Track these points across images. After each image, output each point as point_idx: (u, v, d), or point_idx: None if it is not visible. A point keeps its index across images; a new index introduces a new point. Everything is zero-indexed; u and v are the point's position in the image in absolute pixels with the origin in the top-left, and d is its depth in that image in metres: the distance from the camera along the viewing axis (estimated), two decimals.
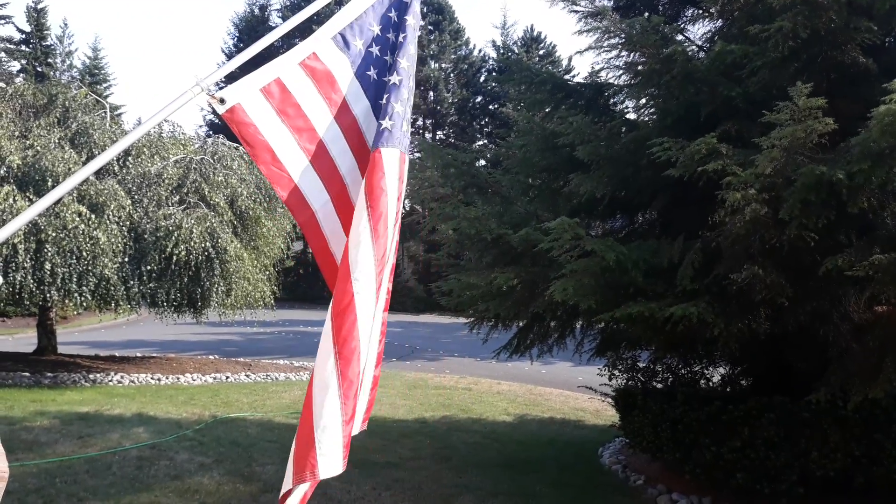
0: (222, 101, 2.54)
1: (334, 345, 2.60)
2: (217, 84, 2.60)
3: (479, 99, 43.21)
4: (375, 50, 2.96)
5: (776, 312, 5.18)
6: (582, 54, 6.73)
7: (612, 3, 7.50)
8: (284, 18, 41.09)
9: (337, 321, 2.60)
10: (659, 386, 7.69)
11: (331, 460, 2.73)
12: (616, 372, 8.05)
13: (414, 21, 3.06)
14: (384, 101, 2.90)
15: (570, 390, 13.23)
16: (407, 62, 2.94)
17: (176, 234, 11.66)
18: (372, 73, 2.95)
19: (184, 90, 2.48)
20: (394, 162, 2.78)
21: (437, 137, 41.84)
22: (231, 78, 2.78)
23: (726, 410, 6.20)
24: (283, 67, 2.71)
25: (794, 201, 4.44)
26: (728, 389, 7.57)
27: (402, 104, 2.87)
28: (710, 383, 7.74)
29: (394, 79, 2.89)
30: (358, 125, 2.92)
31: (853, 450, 5.62)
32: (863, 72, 5.38)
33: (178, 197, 12.61)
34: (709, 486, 6.53)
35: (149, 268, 11.57)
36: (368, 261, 2.66)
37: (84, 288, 11.11)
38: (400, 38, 3.01)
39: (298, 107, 2.73)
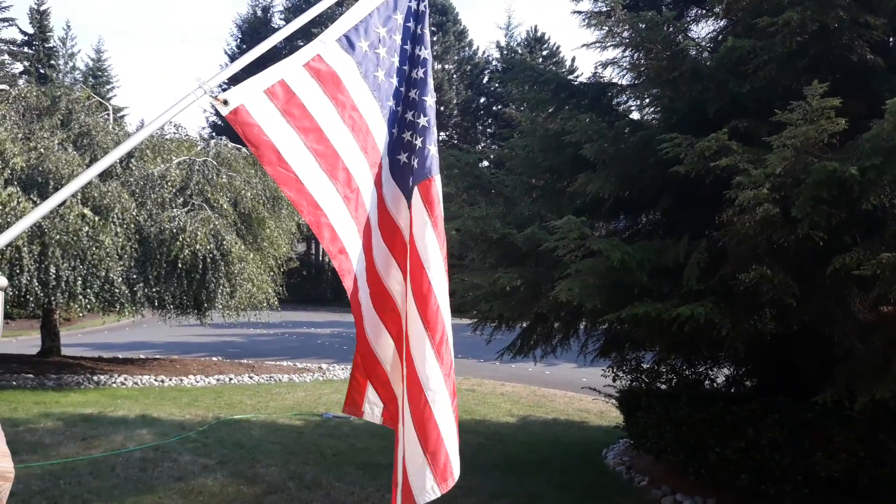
0: (226, 102, 2.53)
1: (431, 341, 2.86)
2: (220, 86, 2.60)
3: (482, 100, 43.25)
4: (382, 51, 2.97)
5: (781, 313, 5.16)
6: (588, 48, 6.81)
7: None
8: (287, 20, 41.15)
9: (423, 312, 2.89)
10: (663, 387, 7.66)
11: (457, 461, 2.96)
12: (620, 373, 8.03)
13: (421, 30, 3.12)
14: (409, 115, 3.08)
15: (574, 391, 13.21)
16: (431, 96, 3.09)
17: (181, 237, 11.66)
18: (379, 74, 2.96)
19: (187, 93, 2.48)
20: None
21: (441, 138, 41.82)
22: (234, 80, 2.77)
23: (730, 411, 6.18)
24: (286, 69, 2.70)
25: (805, 198, 4.43)
26: (732, 390, 7.55)
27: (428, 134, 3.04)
28: (715, 384, 7.72)
29: (424, 117, 3.04)
30: (367, 125, 2.92)
31: (858, 451, 5.59)
32: (870, 69, 5.36)
33: (181, 199, 12.61)
34: (713, 487, 6.52)
35: (154, 270, 11.57)
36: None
37: (88, 291, 11.11)
38: (417, 51, 3.12)
39: (304, 107, 2.71)
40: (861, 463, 5.62)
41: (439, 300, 2.89)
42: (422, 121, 3.02)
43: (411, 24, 3.10)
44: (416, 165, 3.00)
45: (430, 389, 2.83)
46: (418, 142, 3.01)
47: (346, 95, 2.83)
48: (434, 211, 2.94)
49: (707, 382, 7.69)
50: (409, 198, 3.03)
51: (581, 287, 5.24)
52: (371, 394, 3.24)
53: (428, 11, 3.16)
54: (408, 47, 3.08)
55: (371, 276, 3.05)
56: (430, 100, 3.06)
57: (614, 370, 8.09)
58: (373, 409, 3.25)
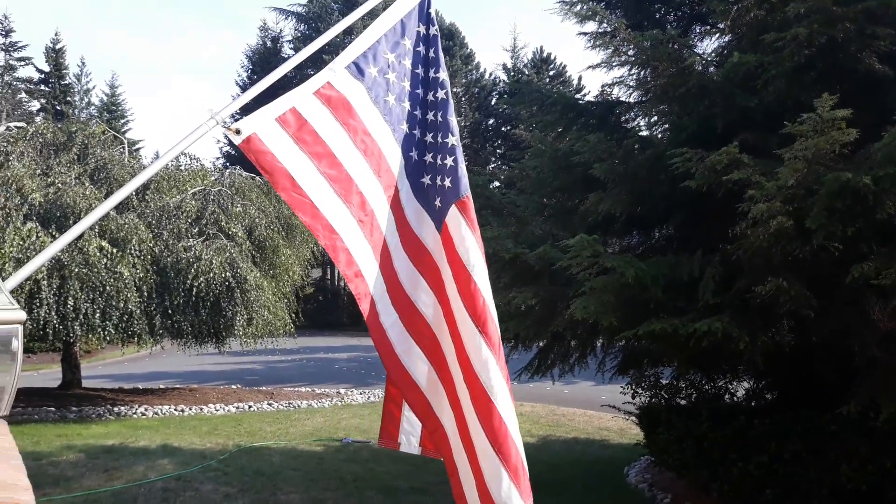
0: (238, 131, 2.57)
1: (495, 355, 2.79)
2: (232, 116, 2.65)
3: (491, 121, 43.45)
4: (392, 76, 3.00)
5: (800, 325, 5.13)
6: (594, 69, 6.85)
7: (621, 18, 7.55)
8: (296, 50, 41.61)
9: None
10: (683, 402, 7.61)
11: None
12: (639, 390, 7.98)
13: (434, 54, 3.15)
14: (428, 138, 3.09)
15: (594, 409, 13.11)
16: (448, 114, 3.09)
17: (196, 266, 11.76)
18: (390, 98, 2.98)
19: (199, 123, 2.53)
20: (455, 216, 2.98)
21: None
22: (246, 110, 2.82)
23: (752, 425, 6.12)
24: (297, 97, 2.74)
25: (819, 209, 4.41)
26: (753, 404, 7.48)
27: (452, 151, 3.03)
28: (735, 398, 7.65)
29: (453, 136, 3.05)
30: (379, 149, 2.94)
31: (884, 462, 5.51)
32: (879, 79, 5.35)
33: (197, 229, 12.74)
34: (737, 503, 6.43)
35: (173, 300, 11.65)
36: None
37: (107, 322, 11.20)
38: (432, 74, 3.13)
39: (316, 133, 2.74)
40: (888, 475, 5.54)
41: (490, 309, 2.83)
42: (451, 140, 3.01)
43: (422, 49, 3.12)
44: (449, 184, 2.98)
45: (499, 404, 2.75)
46: (450, 161, 3.00)
47: (358, 120, 2.86)
48: (474, 226, 2.93)
49: (727, 396, 7.62)
50: (436, 218, 3.00)
51: (596, 304, 5.24)
52: (406, 423, 3.16)
53: (439, 35, 3.19)
54: (419, 71, 3.11)
55: (399, 299, 2.99)
56: (454, 119, 3.06)
57: (633, 387, 8.04)
58: (409, 438, 3.18)
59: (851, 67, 5.36)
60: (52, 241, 10.47)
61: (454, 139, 3.01)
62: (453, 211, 2.94)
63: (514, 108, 8.32)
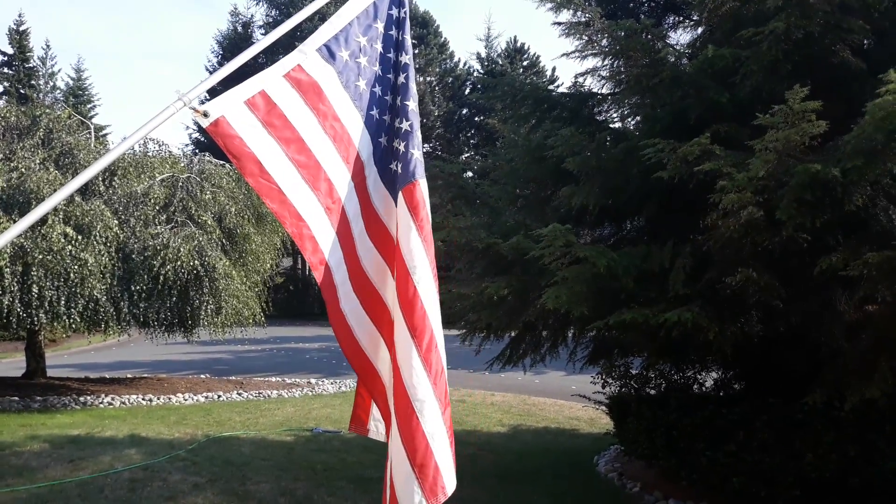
0: (206, 114, 2.50)
1: (417, 348, 2.76)
2: (201, 99, 2.58)
3: (464, 111, 43.43)
4: (363, 60, 2.95)
5: (768, 315, 5.18)
6: (568, 58, 6.84)
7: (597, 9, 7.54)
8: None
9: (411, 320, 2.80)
10: (652, 392, 7.67)
11: (451, 474, 2.84)
12: (609, 379, 8.03)
13: (401, 35, 3.10)
14: (391, 120, 3.04)
15: (564, 399, 13.19)
16: (413, 102, 3.05)
17: (163, 254, 11.59)
18: (361, 83, 2.94)
19: (166, 105, 2.46)
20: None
21: (424, 150, 41.86)
22: (215, 94, 2.76)
23: (720, 414, 6.18)
24: (267, 80, 2.68)
25: (789, 200, 4.45)
26: (721, 393, 7.56)
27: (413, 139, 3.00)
28: (703, 388, 7.73)
29: (406, 121, 3.00)
30: (349, 135, 2.90)
31: (848, 450, 5.60)
32: (851, 72, 5.41)
33: (165, 216, 12.55)
34: (705, 491, 6.51)
35: (138, 288, 11.48)
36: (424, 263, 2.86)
37: (72, 310, 11.01)
38: (400, 58, 3.08)
39: (285, 118, 2.69)
40: (852, 463, 5.63)
41: (426, 305, 2.79)
42: (404, 125, 2.97)
43: (394, 32, 3.07)
44: (399, 170, 2.94)
45: (417, 399, 2.72)
46: (401, 146, 2.96)
47: (328, 105, 2.81)
48: (419, 214, 2.85)
49: (696, 386, 7.70)
50: (396, 206, 2.97)
51: (568, 294, 5.25)
52: (376, 410, 3.15)
53: (408, 17, 3.15)
54: (391, 55, 3.06)
55: (362, 287, 2.97)
56: (412, 104, 3.00)
57: (603, 377, 8.09)
58: (377, 426, 3.16)
59: (825, 60, 5.40)
60: None
61: (407, 124, 2.97)
62: (400, 199, 2.90)
63: (488, 101, 8.26)
